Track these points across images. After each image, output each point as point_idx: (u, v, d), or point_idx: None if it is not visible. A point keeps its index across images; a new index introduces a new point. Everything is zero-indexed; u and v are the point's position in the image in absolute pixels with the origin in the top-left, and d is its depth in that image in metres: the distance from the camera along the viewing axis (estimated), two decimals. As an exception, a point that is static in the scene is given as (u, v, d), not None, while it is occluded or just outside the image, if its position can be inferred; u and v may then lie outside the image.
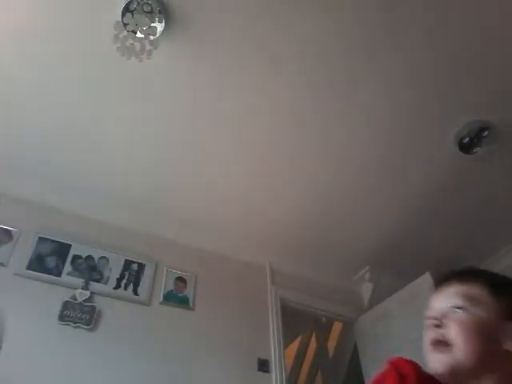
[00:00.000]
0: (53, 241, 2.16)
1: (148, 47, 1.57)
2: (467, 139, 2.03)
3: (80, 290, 2.05)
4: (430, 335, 0.71)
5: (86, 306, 2.01)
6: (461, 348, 0.66)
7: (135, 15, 1.52)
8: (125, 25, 1.54)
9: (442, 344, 0.68)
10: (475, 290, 0.72)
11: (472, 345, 0.66)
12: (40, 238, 2.14)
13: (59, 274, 2.07)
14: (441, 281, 0.78)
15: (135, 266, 2.30)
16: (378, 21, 1.63)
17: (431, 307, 0.75)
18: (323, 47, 1.71)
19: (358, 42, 1.70)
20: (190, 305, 2.32)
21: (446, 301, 0.73)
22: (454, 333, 0.68)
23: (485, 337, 0.67)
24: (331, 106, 1.93)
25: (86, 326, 1.96)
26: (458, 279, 0.75)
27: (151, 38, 1.56)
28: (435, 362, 0.68)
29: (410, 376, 0.69)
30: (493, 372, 0.66)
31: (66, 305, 1.97)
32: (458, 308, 0.70)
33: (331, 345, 3.41)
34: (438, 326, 0.71)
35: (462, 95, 1.90)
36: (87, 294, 2.05)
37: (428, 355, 0.69)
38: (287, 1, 1.56)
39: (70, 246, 2.19)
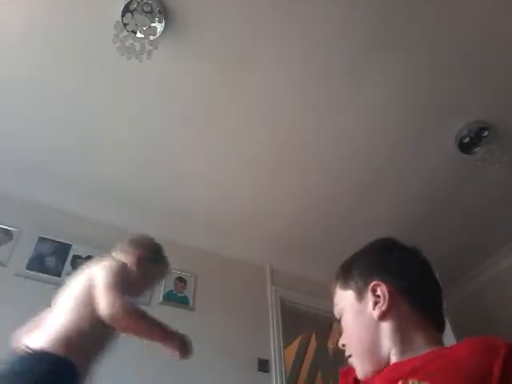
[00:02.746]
0: (53, 241, 2.16)
1: (148, 47, 1.57)
2: (467, 139, 2.03)
3: (80, 290, 2.05)
4: None
5: (86, 306, 2.01)
6: (353, 351, 0.71)
7: (135, 15, 1.52)
8: (125, 25, 1.54)
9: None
10: (338, 294, 0.78)
11: (355, 341, 0.72)
12: (40, 238, 2.14)
13: (59, 274, 2.07)
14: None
15: (135, 266, 2.29)
16: (378, 19, 1.63)
17: None
18: (325, 46, 1.71)
19: (359, 40, 1.70)
20: (190, 305, 2.31)
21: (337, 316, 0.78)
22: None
23: (359, 325, 0.71)
24: (332, 107, 1.93)
25: (85, 326, 1.95)
26: (332, 289, 0.80)
27: (151, 38, 1.56)
28: (358, 375, 0.71)
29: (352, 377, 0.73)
30: (380, 345, 0.67)
31: (65, 305, 1.97)
32: (340, 319, 0.76)
33: (331, 344, 3.41)
34: (344, 346, 0.75)
35: (463, 95, 1.90)
36: (87, 294, 2.05)
37: None
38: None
39: (70, 246, 2.19)
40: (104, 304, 1.20)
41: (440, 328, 0.70)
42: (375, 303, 0.69)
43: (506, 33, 1.68)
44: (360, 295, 0.72)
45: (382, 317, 0.67)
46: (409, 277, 0.72)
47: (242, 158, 2.17)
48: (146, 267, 1.44)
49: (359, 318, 0.71)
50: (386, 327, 0.67)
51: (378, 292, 0.69)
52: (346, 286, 0.75)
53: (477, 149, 2.05)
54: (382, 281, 0.70)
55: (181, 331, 2.19)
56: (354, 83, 1.85)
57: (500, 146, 2.03)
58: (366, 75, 1.82)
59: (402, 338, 0.66)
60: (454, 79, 1.83)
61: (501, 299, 2.74)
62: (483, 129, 2.00)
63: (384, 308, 0.68)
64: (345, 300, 0.75)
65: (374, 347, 0.68)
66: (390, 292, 0.68)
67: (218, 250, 2.64)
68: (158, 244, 1.54)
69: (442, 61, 1.76)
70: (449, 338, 2.17)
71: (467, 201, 2.44)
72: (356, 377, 0.71)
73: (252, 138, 2.08)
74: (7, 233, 2.08)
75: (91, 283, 1.26)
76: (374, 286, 0.70)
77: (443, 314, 0.71)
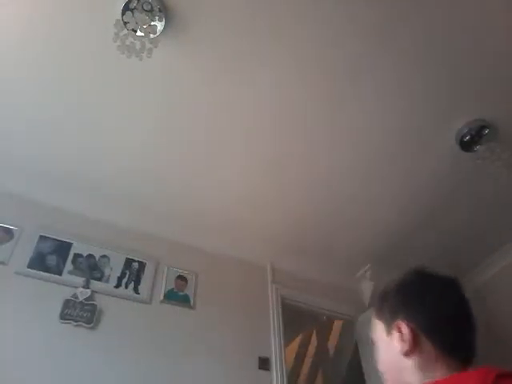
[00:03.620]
0: (54, 239, 2.17)
1: (148, 46, 1.57)
2: (468, 137, 2.03)
3: (81, 289, 2.05)
4: None
5: (87, 304, 2.02)
6: (386, 378, 0.80)
7: (135, 14, 1.52)
8: (125, 23, 1.54)
9: None
10: (374, 322, 0.85)
11: (385, 370, 0.80)
12: (41, 237, 2.14)
13: (60, 273, 2.07)
14: None
15: (136, 265, 2.30)
16: (378, 15, 1.63)
17: None
18: (325, 45, 1.71)
19: (358, 37, 1.69)
20: (191, 303, 2.32)
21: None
22: None
23: (387, 356, 0.79)
24: (331, 106, 1.93)
25: (86, 325, 1.96)
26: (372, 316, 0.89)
27: (151, 36, 1.56)
28: None
29: None
30: (405, 378, 0.74)
31: (66, 303, 1.97)
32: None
33: (332, 343, 3.42)
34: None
35: (463, 94, 1.90)
36: (88, 292, 2.06)
37: None
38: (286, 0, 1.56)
39: (71, 244, 2.20)
40: None
41: (467, 361, 0.72)
42: (400, 341, 0.74)
43: (507, 32, 1.68)
44: (388, 329, 0.79)
45: (406, 355, 0.73)
46: (435, 316, 0.75)
47: (244, 156, 2.17)
48: None
49: (387, 349, 0.78)
50: (411, 364, 0.72)
51: (403, 330, 0.75)
52: (379, 317, 0.83)
53: (477, 147, 2.05)
54: (406, 320, 0.75)
55: (181, 329, 2.21)
56: (354, 81, 1.85)
57: (500, 144, 2.03)
58: (366, 73, 1.81)
59: (425, 375, 0.70)
60: (455, 78, 1.83)
61: (501, 300, 2.74)
62: (483, 127, 2.00)
63: (407, 348, 0.73)
64: (378, 330, 0.82)
65: (400, 379, 0.74)
66: (413, 332, 0.73)
67: (219, 248, 2.65)
68: None
69: (442, 59, 1.76)
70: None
71: (468, 198, 2.44)
72: None
73: (253, 137, 2.07)
74: (8, 231, 2.08)
75: None
76: (398, 324, 0.76)
77: (473, 348, 0.74)
